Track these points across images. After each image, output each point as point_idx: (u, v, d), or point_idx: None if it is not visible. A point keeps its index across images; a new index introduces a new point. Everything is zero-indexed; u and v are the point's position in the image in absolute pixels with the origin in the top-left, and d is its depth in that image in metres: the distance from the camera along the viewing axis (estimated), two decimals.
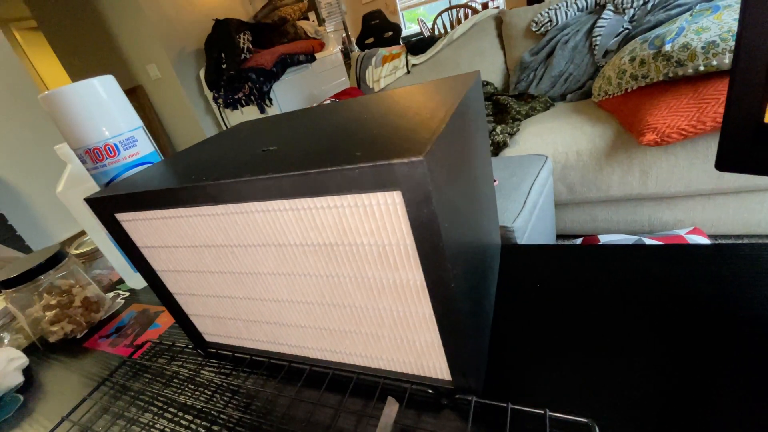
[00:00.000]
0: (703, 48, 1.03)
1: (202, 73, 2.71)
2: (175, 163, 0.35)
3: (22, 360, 0.47)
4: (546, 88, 1.70)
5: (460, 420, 0.28)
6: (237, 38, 2.57)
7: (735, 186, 1.16)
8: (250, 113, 2.66)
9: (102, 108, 0.42)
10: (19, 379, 0.45)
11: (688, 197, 1.28)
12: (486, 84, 1.87)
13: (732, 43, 0.98)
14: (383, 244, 0.24)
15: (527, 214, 1.05)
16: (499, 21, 1.92)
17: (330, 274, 0.27)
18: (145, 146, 0.46)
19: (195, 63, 2.81)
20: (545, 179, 1.21)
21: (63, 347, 0.51)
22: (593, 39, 1.56)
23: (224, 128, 2.69)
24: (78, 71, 3.04)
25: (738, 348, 0.27)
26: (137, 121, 0.46)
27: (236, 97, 2.56)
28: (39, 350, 0.52)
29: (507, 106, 1.64)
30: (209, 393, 0.36)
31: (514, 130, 1.46)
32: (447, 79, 0.37)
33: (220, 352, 0.40)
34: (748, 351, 0.27)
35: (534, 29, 1.75)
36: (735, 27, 0.99)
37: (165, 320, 0.50)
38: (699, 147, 1.14)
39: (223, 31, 2.61)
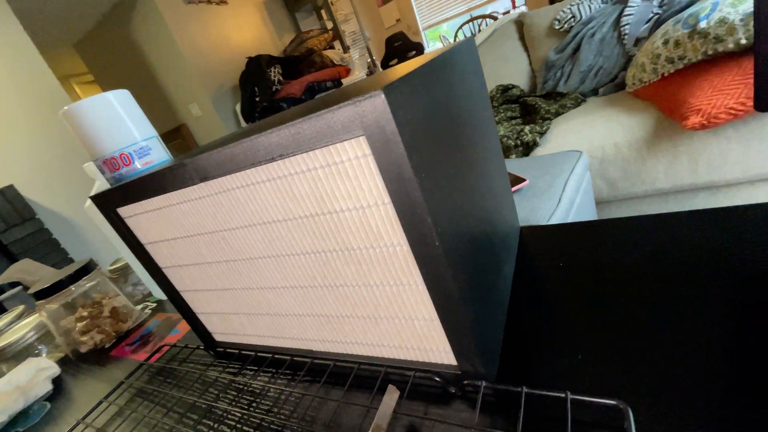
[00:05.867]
0: (741, 20, 0.95)
1: (238, 108, 2.88)
2: (174, 160, 0.36)
3: (53, 370, 0.49)
4: (575, 84, 1.63)
5: (470, 410, 0.25)
6: (268, 72, 2.72)
7: None
8: None
9: (116, 119, 0.45)
10: (48, 387, 0.46)
11: (747, 183, 1.15)
12: (512, 87, 1.83)
13: None
14: (362, 206, 0.22)
15: (563, 212, 0.98)
16: (520, 24, 1.89)
17: (315, 251, 0.26)
18: (159, 154, 0.48)
19: (231, 99, 2.99)
20: (581, 175, 1.14)
21: (93, 357, 0.52)
22: (622, 28, 1.49)
23: None
24: None
25: None
26: (151, 131, 0.48)
27: None
28: (71, 360, 0.54)
29: (535, 106, 1.59)
30: (216, 392, 0.35)
31: (544, 128, 1.40)
32: (436, 50, 0.35)
33: (227, 350, 0.39)
34: None
35: (557, 27, 1.71)
36: None
37: (184, 326, 0.50)
38: (753, 126, 1.03)
39: (255, 67, 2.77)
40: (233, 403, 0.33)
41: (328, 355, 0.32)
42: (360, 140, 0.19)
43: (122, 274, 0.68)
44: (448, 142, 0.24)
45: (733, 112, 0.96)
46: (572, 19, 1.65)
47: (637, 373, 0.23)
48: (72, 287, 0.51)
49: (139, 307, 0.62)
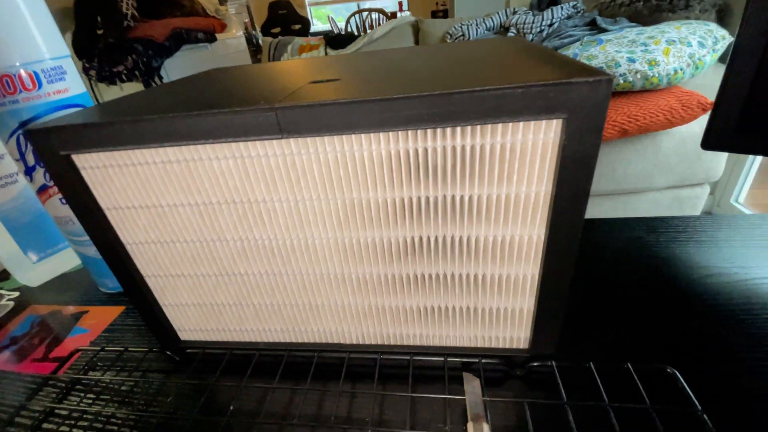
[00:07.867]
0: None
1: (68, 38, 2.21)
2: (165, 94, 0.26)
3: None
4: None
5: (534, 389, 0.26)
6: (119, 2, 2.17)
7: (607, 190, 1.41)
8: (131, 90, 2.26)
9: (17, 20, 0.30)
10: None
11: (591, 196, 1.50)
12: None
13: (615, 70, 1.19)
14: (503, 192, 0.21)
15: None
16: (416, 28, 2.01)
17: (413, 234, 0.23)
18: (75, 83, 0.34)
19: (57, 24, 2.27)
20: None
21: None
22: None
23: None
24: None
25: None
26: (64, 48, 0.34)
27: (116, 70, 2.15)
28: None
29: None
30: (204, 401, 0.27)
31: None
32: (498, 39, 0.35)
33: (206, 351, 0.31)
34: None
35: (448, 40, 1.88)
36: (617, 57, 1.20)
37: (94, 322, 0.37)
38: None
39: None
40: (241, 410, 0.26)
41: (368, 348, 0.29)
42: (553, 123, 0.18)
43: None
44: None
45: None
46: (462, 37, 1.84)
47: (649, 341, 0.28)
48: None
49: None
